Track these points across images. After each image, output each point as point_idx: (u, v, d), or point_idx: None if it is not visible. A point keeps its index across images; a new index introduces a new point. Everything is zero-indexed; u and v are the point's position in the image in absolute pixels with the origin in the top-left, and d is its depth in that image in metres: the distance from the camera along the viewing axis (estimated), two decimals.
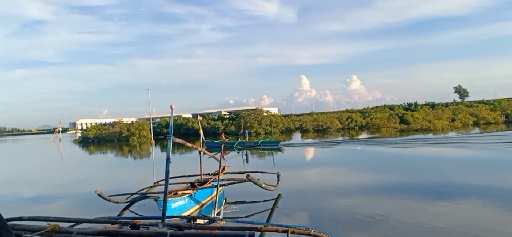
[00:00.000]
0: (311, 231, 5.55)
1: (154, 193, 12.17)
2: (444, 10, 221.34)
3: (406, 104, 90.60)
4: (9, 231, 0.98)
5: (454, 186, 14.10)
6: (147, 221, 6.43)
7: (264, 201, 12.44)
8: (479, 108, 70.69)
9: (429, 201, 11.69)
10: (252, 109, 76.09)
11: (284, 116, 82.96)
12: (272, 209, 11.59)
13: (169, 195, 10.19)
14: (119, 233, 5.22)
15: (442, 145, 29.97)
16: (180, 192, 11.79)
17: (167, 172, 7.19)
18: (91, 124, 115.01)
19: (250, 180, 11.35)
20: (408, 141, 35.85)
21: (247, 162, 22.14)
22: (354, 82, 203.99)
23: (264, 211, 11.43)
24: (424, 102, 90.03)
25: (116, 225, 6.09)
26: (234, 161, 26.73)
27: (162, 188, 10.70)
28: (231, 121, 74.74)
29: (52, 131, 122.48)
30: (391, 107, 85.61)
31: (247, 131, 45.83)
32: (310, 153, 32.29)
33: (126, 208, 12.33)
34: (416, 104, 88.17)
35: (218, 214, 9.74)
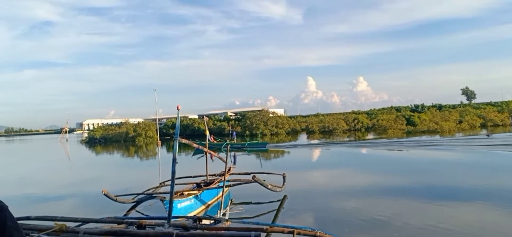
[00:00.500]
0: (317, 232, 5.54)
1: (160, 193, 12.21)
2: (450, 12, 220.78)
3: (413, 106, 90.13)
4: (20, 230, 1.00)
5: (460, 188, 14.02)
6: (153, 221, 6.45)
7: (270, 202, 12.42)
8: (487, 110, 70.18)
9: (434, 203, 11.62)
10: (258, 111, 76.02)
11: (290, 117, 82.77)
12: (278, 210, 11.58)
13: (175, 196, 10.21)
14: (125, 233, 5.24)
15: (447, 147, 29.76)
16: (186, 193, 11.81)
17: (173, 173, 7.21)
18: (98, 124, 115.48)
19: (256, 181, 11.36)
20: (414, 142, 35.70)
21: (234, 164, 22.35)
22: (361, 84, 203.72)
23: (269, 212, 11.42)
24: (431, 104, 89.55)
25: (123, 225, 6.11)
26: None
27: (168, 189, 10.74)
28: (237, 122, 74.72)
29: (59, 131, 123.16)
30: (397, 109, 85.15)
31: (234, 133, 45.85)
32: (312, 154, 32.22)
33: (132, 208, 12.38)
34: (423, 106, 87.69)
35: (224, 214, 9.75)
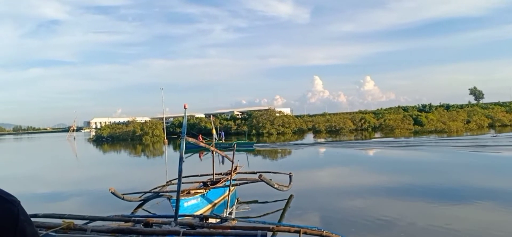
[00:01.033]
0: (323, 232, 5.54)
1: (167, 192, 12.25)
2: (457, 11, 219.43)
3: (420, 105, 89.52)
4: (32, 224, 1.01)
5: (467, 188, 13.94)
6: (160, 220, 6.47)
7: (276, 201, 12.43)
8: (495, 110, 69.56)
9: (441, 203, 11.57)
10: (265, 110, 75.91)
11: (297, 117, 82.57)
12: (284, 209, 11.59)
13: (182, 194, 10.25)
14: (132, 231, 5.27)
15: (455, 147, 29.58)
16: (192, 191, 11.84)
17: (180, 171, 7.24)
18: (105, 122, 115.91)
19: (262, 180, 11.37)
20: (420, 142, 35.54)
21: (222, 163, 22.63)
22: (368, 83, 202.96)
23: (276, 211, 11.43)
24: (439, 104, 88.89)
25: (130, 223, 6.15)
26: (210, 161, 26.80)
27: (174, 187, 10.77)
28: (243, 121, 74.71)
29: (67, 130, 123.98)
30: (405, 109, 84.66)
31: (223, 132, 46.03)
32: (316, 153, 32.17)
33: (139, 206, 12.45)
34: (430, 105, 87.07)
35: (230, 213, 9.76)
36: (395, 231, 9.16)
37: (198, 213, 10.03)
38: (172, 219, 6.42)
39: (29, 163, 35.65)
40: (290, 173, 14.42)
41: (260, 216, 10.75)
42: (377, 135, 53.54)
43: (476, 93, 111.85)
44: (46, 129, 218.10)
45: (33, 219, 1.05)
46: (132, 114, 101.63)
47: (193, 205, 10.94)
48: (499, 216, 10.19)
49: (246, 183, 13.08)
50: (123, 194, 11.98)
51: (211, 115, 40.22)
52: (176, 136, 62.39)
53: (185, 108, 8.03)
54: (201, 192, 11.77)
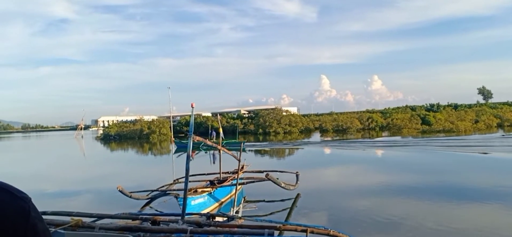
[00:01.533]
0: (330, 231, 5.52)
1: (174, 190, 12.29)
2: (466, 10, 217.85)
3: (428, 105, 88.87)
4: (43, 221, 1.02)
5: (475, 188, 13.85)
6: (167, 218, 6.49)
7: (283, 200, 12.43)
8: (503, 110, 68.97)
9: (449, 203, 11.51)
10: (272, 109, 75.78)
11: (304, 116, 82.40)
12: (291, 209, 11.59)
13: (189, 193, 10.27)
14: (140, 229, 5.30)
15: (463, 147, 29.36)
16: (199, 190, 11.88)
17: (187, 170, 7.26)
18: (113, 121, 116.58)
19: (269, 179, 11.37)
20: (426, 141, 35.32)
21: (213, 163, 22.78)
22: (375, 83, 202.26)
23: (283, 210, 11.43)
24: (447, 104, 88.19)
25: (137, 221, 6.18)
26: (202, 159, 28.46)
27: (181, 186, 10.80)
28: (250, 120, 74.72)
29: (74, 128, 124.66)
30: (412, 108, 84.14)
31: (214, 132, 46.32)
32: (317, 153, 32.08)
33: (147, 204, 12.50)
34: (438, 105, 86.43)
35: (237, 212, 9.78)
36: (403, 230, 9.12)
37: (205, 211, 10.05)
38: (179, 217, 6.44)
39: (38, 161, 35.94)
40: (297, 172, 14.40)
41: (266, 215, 10.76)
42: (384, 134, 53.29)
43: (485, 92, 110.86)
44: (54, 127, 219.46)
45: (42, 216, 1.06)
46: (140, 113, 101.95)
47: (200, 203, 10.98)
48: (508, 217, 10.11)
49: (253, 182, 13.09)
50: (131, 192, 12.03)
51: (218, 114, 40.27)
52: (183, 135, 62.55)
53: (192, 107, 8.04)
54: (208, 191, 11.81)
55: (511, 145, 29.69)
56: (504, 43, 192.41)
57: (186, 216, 6.70)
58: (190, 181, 8.22)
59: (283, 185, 12.02)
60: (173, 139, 45.81)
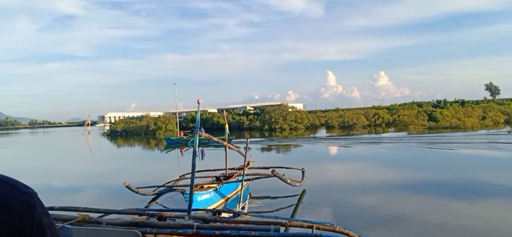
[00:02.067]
0: (336, 227, 5.51)
1: (180, 186, 12.34)
2: (474, 5, 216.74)
3: (435, 101, 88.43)
4: (49, 216, 1.02)
5: (482, 185, 13.75)
6: (174, 214, 6.50)
7: (289, 196, 12.43)
8: (511, 106, 68.51)
9: (456, 200, 11.46)
10: (277, 105, 75.69)
11: (310, 112, 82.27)
12: (297, 205, 11.59)
13: (195, 189, 10.30)
14: (147, 225, 5.31)
15: (470, 143, 29.18)
16: (206, 186, 11.91)
17: (193, 166, 7.26)
18: (119, 117, 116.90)
19: (275, 175, 11.38)
20: (437, 137, 35.13)
21: (202, 159, 22.91)
22: (382, 79, 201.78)
23: (288, 206, 11.44)
24: (454, 100, 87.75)
25: (144, 217, 6.19)
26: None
27: (188, 181, 10.83)
28: (256, 116, 74.76)
29: (81, 124, 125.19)
30: (419, 104, 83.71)
31: (203, 129, 46.69)
32: (325, 149, 32.02)
33: (153, 200, 12.56)
34: (445, 101, 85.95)
35: (243, 208, 9.81)
36: (408, 226, 9.10)
37: (211, 207, 10.07)
38: (186, 213, 6.45)
39: (45, 156, 36.20)
40: (302, 168, 14.38)
41: (272, 211, 10.76)
42: (390, 130, 53.10)
43: (492, 89, 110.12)
44: (61, 123, 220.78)
45: (49, 212, 1.06)
46: (146, 109, 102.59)
47: (206, 199, 11.01)
48: None
49: (259, 178, 13.10)
50: (137, 188, 12.09)
51: (223, 110, 40.31)
52: (189, 131, 62.75)
53: (199, 103, 8.04)
54: (214, 187, 11.83)
55: None
56: (511, 39, 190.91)
57: (192, 212, 6.71)
58: (196, 177, 8.25)
59: (289, 181, 12.02)
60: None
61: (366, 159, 23.68)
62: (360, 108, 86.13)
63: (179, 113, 65.58)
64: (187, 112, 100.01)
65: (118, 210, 6.84)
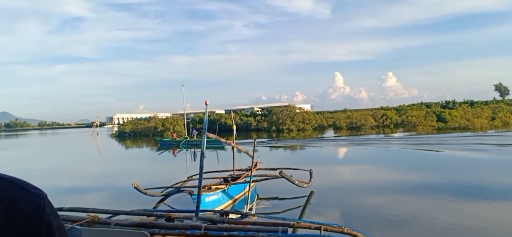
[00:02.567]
0: (344, 229, 5.49)
1: (188, 187, 12.38)
2: (482, 6, 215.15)
3: (444, 102, 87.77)
4: (58, 217, 1.02)
5: (491, 186, 13.61)
6: (182, 214, 6.53)
7: (296, 197, 12.40)
8: None
9: (465, 201, 11.38)
10: (285, 106, 75.61)
11: (317, 113, 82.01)
12: (305, 206, 11.56)
13: (203, 190, 10.32)
14: (155, 225, 5.33)
15: (479, 145, 28.90)
16: (213, 187, 11.94)
17: (201, 167, 7.27)
18: (128, 118, 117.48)
19: (282, 177, 11.36)
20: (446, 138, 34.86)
21: (194, 160, 23.02)
22: (390, 79, 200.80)
23: (296, 207, 11.42)
24: (463, 100, 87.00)
25: (152, 218, 6.22)
26: (182, 157, 29.83)
27: (195, 182, 10.87)
28: (263, 117, 74.73)
29: (90, 125, 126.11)
30: (428, 105, 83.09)
31: (195, 130, 47.23)
32: (333, 150, 31.91)
33: (161, 201, 12.60)
34: (454, 102, 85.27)
35: (250, 209, 9.80)
36: (417, 228, 9.04)
37: (219, 208, 10.08)
38: (194, 214, 6.46)
39: (54, 157, 36.47)
40: (310, 170, 14.35)
41: (280, 212, 10.74)
42: (399, 131, 52.80)
43: (501, 89, 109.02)
44: (70, 124, 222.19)
45: (58, 213, 1.06)
46: (154, 110, 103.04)
47: (214, 200, 11.02)
48: None
49: (267, 179, 13.09)
50: (146, 189, 12.15)
51: (231, 111, 40.39)
52: (197, 132, 62.89)
53: (206, 105, 8.05)
54: (222, 188, 11.85)
55: None
56: None
57: (200, 213, 6.72)
58: (204, 178, 8.26)
59: (296, 182, 11.99)
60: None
61: (374, 160, 23.56)
62: (368, 109, 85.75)
63: (186, 115, 65.85)
64: (194, 113, 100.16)
65: (126, 211, 6.87)
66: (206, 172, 13.44)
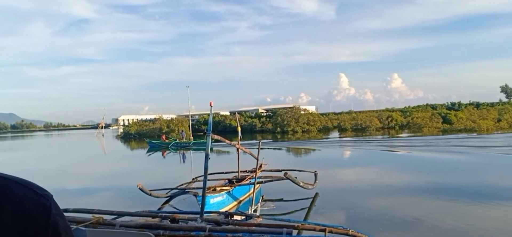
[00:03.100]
0: (349, 231, 5.48)
1: (193, 188, 12.39)
2: (488, 7, 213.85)
3: (449, 103, 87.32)
4: (64, 218, 1.03)
5: (496, 188, 13.53)
6: (186, 216, 6.54)
7: (301, 199, 12.38)
8: None
9: (469, 203, 11.31)
10: (290, 108, 75.57)
11: (322, 114, 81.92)
12: (309, 208, 11.54)
13: (208, 191, 10.34)
14: (160, 227, 5.35)
15: (484, 147, 28.72)
16: (218, 188, 11.94)
17: (206, 168, 7.30)
18: (133, 120, 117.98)
19: (287, 178, 11.35)
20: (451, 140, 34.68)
21: (183, 162, 23.08)
22: (395, 81, 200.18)
23: (301, 209, 11.39)
24: (469, 102, 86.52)
25: (157, 219, 6.24)
26: (171, 159, 30.48)
27: (200, 184, 10.87)
28: (268, 119, 74.70)
29: (95, 126, 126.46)
30: (433, 107, 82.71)
31: (184, 133, 47.86)
32: (339, 152, 31.83)
33: (166, 202, 12.62)
34: (459, 103, 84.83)
35: (255, 211, 9.79)
36: (422, 230, 9.00)
37: (223, 209, 10.08)
38: (198, 215, 6.48)
39: (60, 158, 36.64)
40: (315, 171, 14.32)
41: (285, 214, 10.73)
42: (404, 133, 52.59)
43: (508, 91, 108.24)
44: (75, 126, 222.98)
45: (64, 214, 1.06)
46: (159, 111, 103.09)
47: (219, 202, 11.02)
48: None
49: (271, 180, 13.09)
50: (151, 190, 12.18)
51: (236, 113, 40.41)
52: (202, 133, 63.00)
53: (211, 106, 8.07)
54: (226, 189, 11.84)
55: None
56: None
57: (205, 214, 6.74)
58: (208, 180, 8.28)
59: (301, 184, 11.97)
60: (192, 137, 46.88)
61: (379, 162, 23.48)
62: (373, 111, 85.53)
63: (191, 116, 65.90)
64: (199, 115, 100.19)
65: (131, 212, 6.90)
66: (210, 173, 13.45)
